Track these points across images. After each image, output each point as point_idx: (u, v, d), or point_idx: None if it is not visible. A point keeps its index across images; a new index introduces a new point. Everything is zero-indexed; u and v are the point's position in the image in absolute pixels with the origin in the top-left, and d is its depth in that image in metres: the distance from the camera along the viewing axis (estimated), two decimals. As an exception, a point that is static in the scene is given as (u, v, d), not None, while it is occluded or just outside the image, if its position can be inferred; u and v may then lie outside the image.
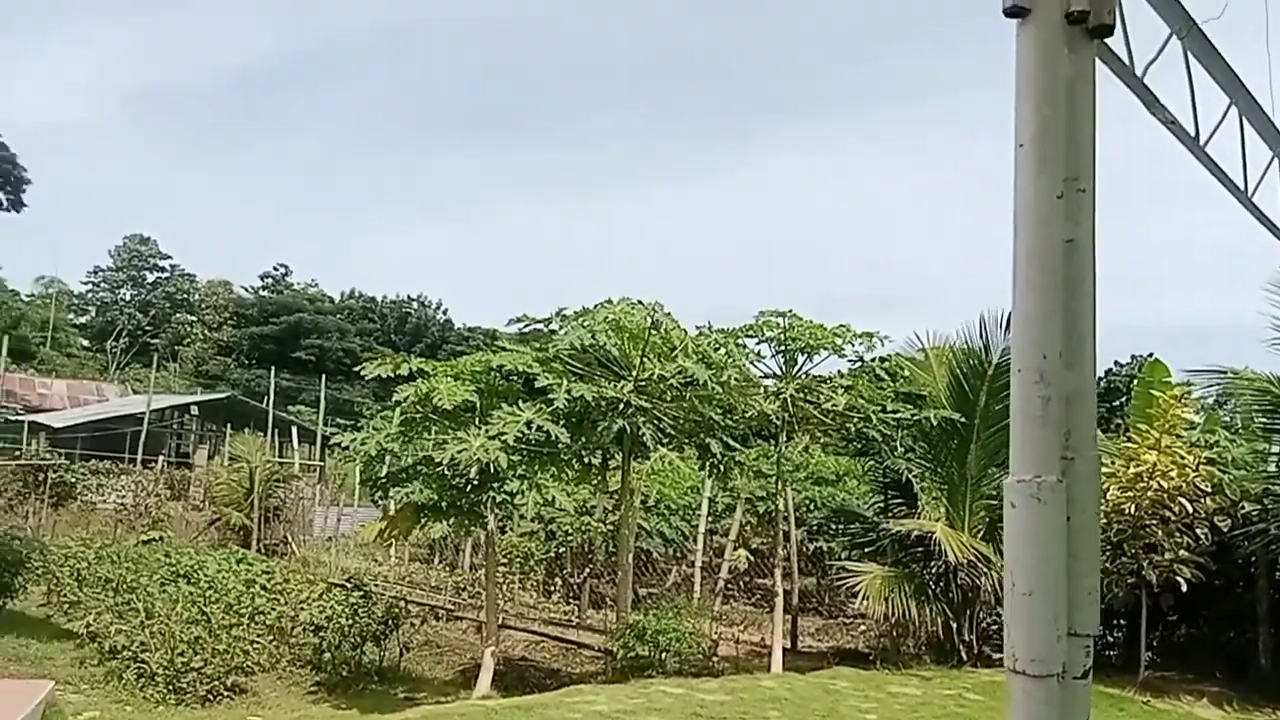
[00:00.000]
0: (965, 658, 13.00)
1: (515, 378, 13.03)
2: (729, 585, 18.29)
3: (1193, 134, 3.02)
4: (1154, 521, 11.86)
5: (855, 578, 13.25)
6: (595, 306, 12.52)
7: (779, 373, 13.50)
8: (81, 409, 45.29)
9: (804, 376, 13.44)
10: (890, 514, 14.77)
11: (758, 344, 13.38)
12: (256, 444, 28.06)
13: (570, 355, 12.80)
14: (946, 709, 10.26)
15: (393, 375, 12.32)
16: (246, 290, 77.40)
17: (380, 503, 15.49)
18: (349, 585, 14.74)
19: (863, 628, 16.20)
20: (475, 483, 11.46)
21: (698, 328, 13.27)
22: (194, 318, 73.07)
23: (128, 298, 75.46)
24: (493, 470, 11.03)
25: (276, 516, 25.96)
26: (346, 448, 12.82)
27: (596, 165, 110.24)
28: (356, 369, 14.07)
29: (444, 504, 11.99)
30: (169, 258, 76.80)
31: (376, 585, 16.94)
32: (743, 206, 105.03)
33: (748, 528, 19.20)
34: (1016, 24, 2.15)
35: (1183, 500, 11.78)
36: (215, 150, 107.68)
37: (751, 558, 18.35)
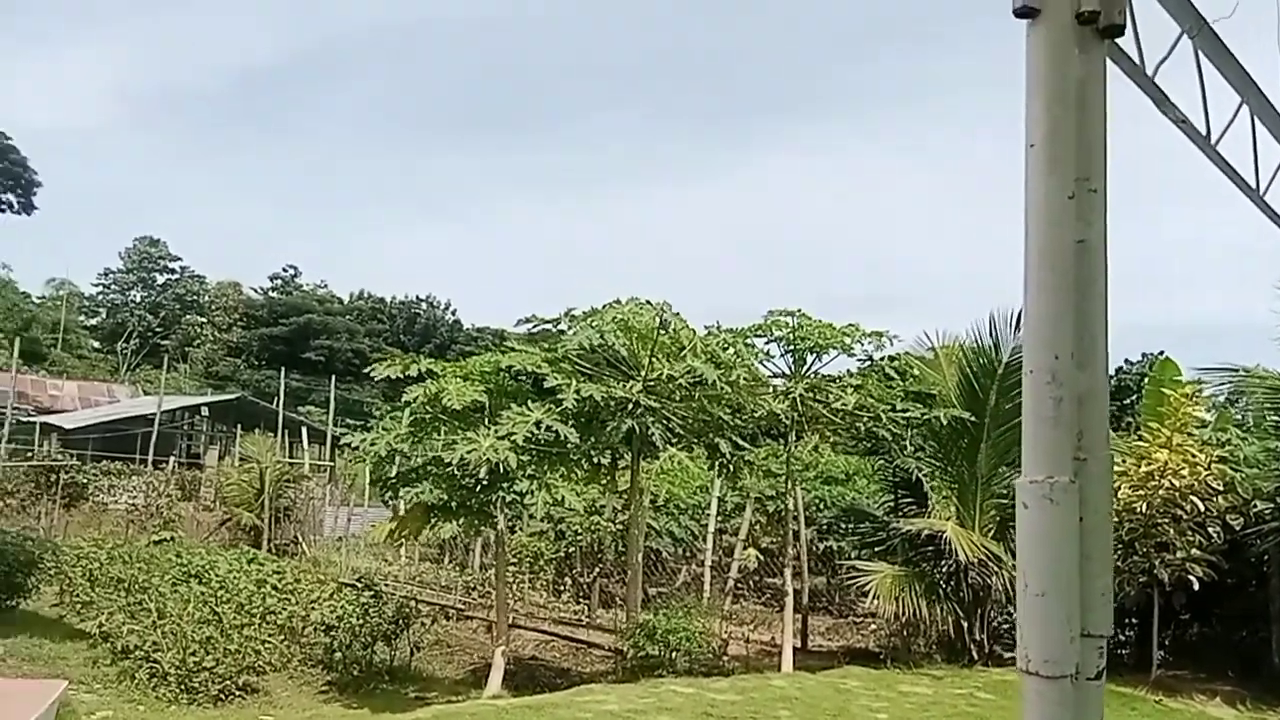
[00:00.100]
0: (976, 657, 12.98)
1: (524, 378, 13.05)
2: (738, 584, 18.30)
3: (1204, 133, 3.01)
4: (1166, 520, 11.82)
5: (865, 577, 13.24)
6: (604, 307, 12.54)
7: (788, 372, 13.49)
8: (93, 410, 45.48)
9: (813, 376, 13.44)
10: (900, 513, 14.75)
11: (766, 343, 13.39)
12: (267, 444, 28.15)
13: (579, 355, 12.82)
14: (958, 708, 10.24)
15: (402, 376, 12.36)
16: (256, 291, 77.67)
17: (390, 503, 15.52)
18: (359, 585, 14.79)
19: (873, 627, 16.20)
20: (485, 483, 11.48)
21: (706, 328, 13.29)
22: (204, 319, 73.32)
23: (138, 299, 75.74)
24: (502, 470, 11.06)
25: (287, 517, 26.06)
26: (356, 448, 12.85)
27: (597, 165, 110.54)
28: (366, 369, 14.12)
29: (454, 504, 12.01)
30: (178, 259, 77.15)
31: (387, 585, 17.01)
32: (743, 206, 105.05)
33: (757, 527, 19.20)
34: (1026, 24, 2.15)
35: (1194, 499, 11.74)
36: (222, 151, 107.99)
37: (761, 557, 18.35)
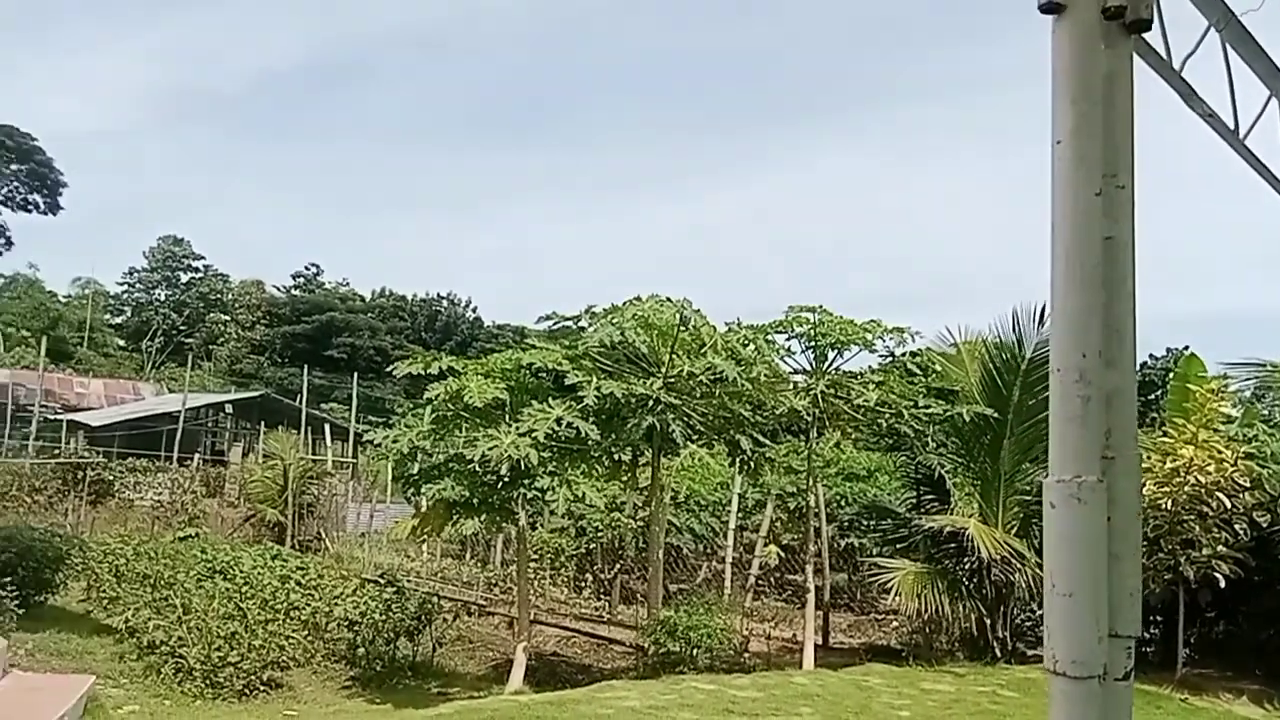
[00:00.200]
0: (999, 654, 12.90)
1: (545, 375, 13.08)
2: (759, 581, 18.26)
3: (1232, 127, 2.97)
4: (1191, 517, 11.70)
5: (887, 574, 13.18)
6: (624, 304, 12.54)
7: (809, 368, 13.45)
8: (118, 408, 45.93)
9: (834, 372, 13.39)
10: (922, 510, 14.68)
11: (787, 340, 13.35)
12: (290, 441, 28.33)
13: (600, 352, 12.84)
14: (981, 706, 10.18)
15: (424, 373, 12.41)
16: (279, 290, 78.25)
17: (412, 499, 15.60)
18: (382, 581, 14.87)
19: (895, 624, 16.12)
20: (506, 479, 11.52)
21: (727, 324, 13.26)
22: (228, 317, 73.87)
23: (162, 298, 76.42)
24: (523, 467, 11.09)
25: (310, 513, 26.24)
26: (379, 445, 12.92)
27: (618, 165, 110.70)
28: (388, 367, 14.20)
29: (475, 500, 12.05)
30: (202, 258, 77.76)
31: (409, 581, 17.09)
32: (768, 206, 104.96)
33: (778, 524, 19.15)
34: (1052, 20, 2.13)
35: (1220, 495, 11.62)
36: (245, 152, 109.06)
37: (782, 554, 18.30)
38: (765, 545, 18.25)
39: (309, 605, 13.83)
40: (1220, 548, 11.53)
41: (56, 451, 32.95)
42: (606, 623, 17.19)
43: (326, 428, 39.98)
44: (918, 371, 14.90)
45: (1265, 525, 12.05)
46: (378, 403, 55.31)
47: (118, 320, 77.62)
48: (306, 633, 12.98)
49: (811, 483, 14.54)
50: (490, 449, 10.85)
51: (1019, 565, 12.61)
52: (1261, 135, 3.16)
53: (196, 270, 77.79)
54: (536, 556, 18.73)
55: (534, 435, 11.00)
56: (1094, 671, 1.96)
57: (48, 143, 44.84)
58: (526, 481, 11.49)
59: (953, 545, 13.31)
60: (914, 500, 15.43)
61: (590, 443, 11.74)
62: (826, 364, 13.34)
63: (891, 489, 18.72)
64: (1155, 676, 11.54)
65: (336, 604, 14.00)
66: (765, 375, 12.65)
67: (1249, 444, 12.79)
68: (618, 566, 18.93)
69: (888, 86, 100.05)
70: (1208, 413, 12.31)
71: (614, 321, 12.05)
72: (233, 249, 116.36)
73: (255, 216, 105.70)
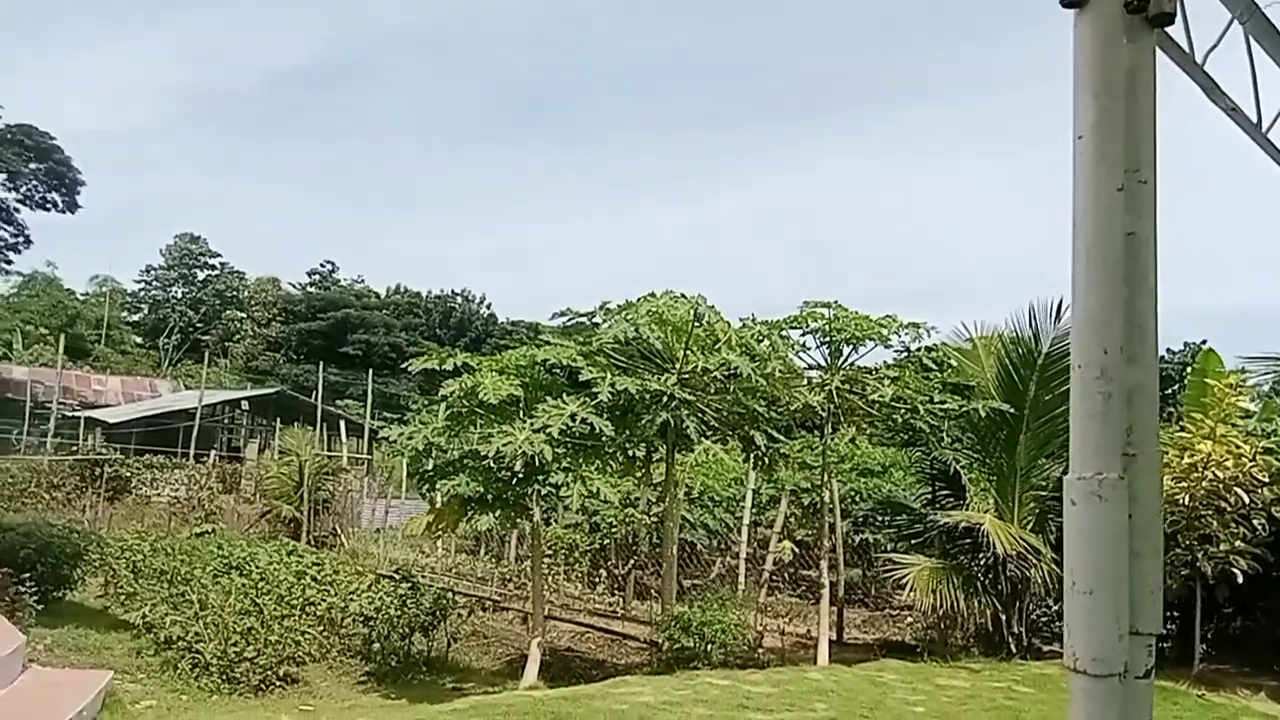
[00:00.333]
0: (1014, 650, 12.86)
1: (559, 371, 13.09)
2: (774, 577, 18.24)
3: (1255, 121, 2.95)
4: (1209, 512, 11.63)
5: (902, 569, 13.14)
6: (638, 300, 12.52)
7: (824, 364, 13.42)
8: (135, 404, 46.21)
9: (849, 368, 13.35)
10: (938, 505, 14.64)
11: (802, 335, 13.30)
12: (306, 438, 28.46)
13: (613, 348, 12.83)
14: (996, 701, 10.14)
15: (439, 369, 12.44)
16: (294, 287, 78.59)
17: (427, 495, 15.66)
18: (397, 576, 14.92)
19: (909, 620, 16.09)
20: (520, 475, 11.54)
21: (741, 320, 13.23)
22: (243, 314, 74.24)
23: (179, 295, 76.82)
24: (538, 463, 11.11)
25: (326, 509, 26.34)
26: (394, 442, 12.96)
27: (628, 163, 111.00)
28: (403, 363, 14.23)
29: (490, 496, 12.08)
30: (218, 255, 78.15)
31: (424, 576, 17.14)
32: (779, 204, 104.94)
33: (792, 519, 19.12)
34: (1074, 14, 2.12)
35: (1239, 490, 11.54)
36: (260, 150, 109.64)
37: (796, 549, 18.28)
38: (779, 541, 18.22)
39: (324, 601, 13.90)
40: (1238, 543, 11.46)
41: (74, 448, 33.15)
42: (620, 618, 17.20)
43: (342, 424, 40.12)
44: (933, 367, 14.84)
45: (1284, 521, 11.97)
46: (393, 399, 55.54)
47: (135, 318, 78.08)
48: (322, 628, 13.05)
49: (826, 478, 14.51)
50: (505, 445, 10.87)
51: (1035, 561, 12.56)
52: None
53: (213, 268, 78.18)
54: (551, 552, 18.76)
55: (548, 431, 11.01)
56: (1115, 669, 1.95)
57: (65, 142, 45.14)
58: (541, 477, 11.51)
59: (968, 541, 13.27)
60: (929, 496, 15.38)
61: (604, 439, 11.75)
62: (842, 359, 13.29)
63: (906, 484, 18.66)
64: (1172, 672, 11.48)
65: (352, 599, 14.06)
66: (780, 371, 12.62)
67: (1268, 439, 12.68)
68: (632, 562, 18.94)
69: (888, 86, 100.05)
70: (1226, 407, 12.22)
71: (628, 318, 12.05)
72: (247, 247, 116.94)
73: (269, 215, 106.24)
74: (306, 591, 13.80)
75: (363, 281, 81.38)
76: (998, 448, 13.83)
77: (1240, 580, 11.46)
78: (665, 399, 12.03)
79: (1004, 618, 13.03)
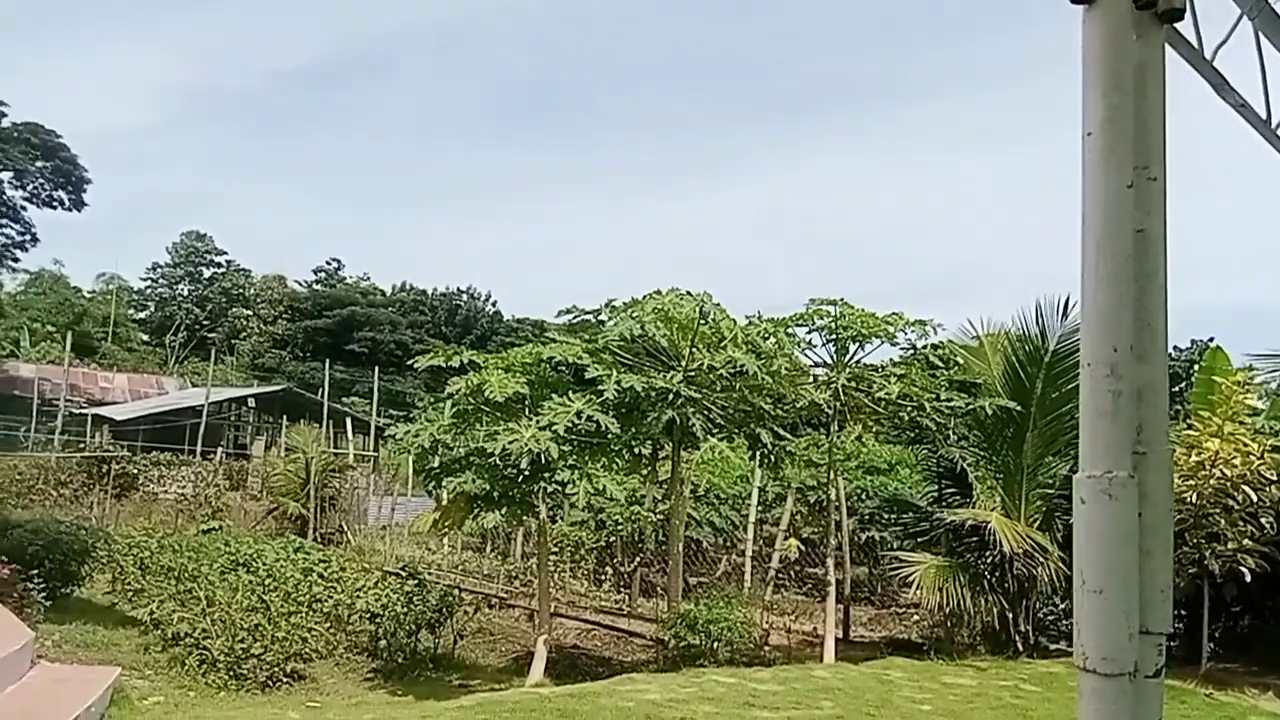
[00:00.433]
0: (1021, 648, 12.85)
1: (565, 369, 13.10)
2: (780, 574, 18.24)
3: (1264, 117, 2.93)
4: (1217, 510, 11.61)
5: (909, 567, 13.14)
6: (644, 297, 12.52)
7: (830, 361, 13.40)
8: (142, 402, 46.37)
9: (856, 365, 13.33)
10: (944, 503, 14.63)
11: (808, 333, 13.29)
12: (312, 435, 28.49)
13: (619, 346, 12.83)
14: (1003, 700, 10.13)
15: (445, 366, 12.45)
16: (300, 284, 78.71)
17: (433, 493, 15.68)
18: (404, 574, 14.94)
19: (916, 618, 16.08)
20: (527, 473, 11.53)
21: (747, 317, 13.22)
22: (250, 312, 74.37)
23: (185, 293, 76.98)
24: (544, 460, 11.10)
25: (332, 506, 26.38)
26: (400, 440, 12.97)
27: (635, 161, 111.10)
28: (409, 361, 14.24)
29: (496, 494, 12.09)
30: (224, 253, 78.31)
31: (430, 574, 17.16)
32: (784, 203, 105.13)
33: (798, 517, 19.12)
34: (1082, 10, 2.10)
35: (1246, 489, 11.51)
36: (266, 149, 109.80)
37: (802, 547, 18.28)
38: (785, 539, 18.22)
39: (331, 598, 13.92)
40: (1246, 541, 11.44)
41: (82, 445, 33.26)
42: (626, 616, 17.21)
43: (348, 421, 40.20)
44: (940, 364, 14.81)
45: (1292, 519, 11.93)
46: (399, 396, 55.61)
47: (141, 315, 78.30)
48: (329, 625, 13.06)
49: (832, 476, 14.50)
50: (511, 443, 10.87)
51: (1041, 559, 12.54)
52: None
53: (219, 265, 78.33)
54: (557, 549, 18.78)
55: (554, 429, 11.01)
56: (1125, 669, 1.94)
57: (72, 140, 45.25)
58: (547, 475, 11.51)
59: (974, 539, 13.25)
60: (935, 494, 15.37)
61: (610, 436, 11.75)
62: (848, 357, 13.28)
63: (913, 482, 18.65)
64: (1179, 671, 11.45)
65: (358, 596, 14.08)
66: (786, 368, 12.60)
67: (1275, 436, 12.65)
68: (638, 560, 18.95)
69: (888, 85, 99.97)
70: (1233, 405, 12.19)
71: (634, 315, 12.05)
72: (253, 245, 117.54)
73: (275, 213, 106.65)
74: (313, 588, 13.81)
75: (368, 279, 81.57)
76: (1004, 445, 13.81)
77: (1248, 579, 11.44)
78: (671, 396, 12.03)
79: (1010, 616, 13.02)
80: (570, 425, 11.19)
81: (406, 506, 26.76)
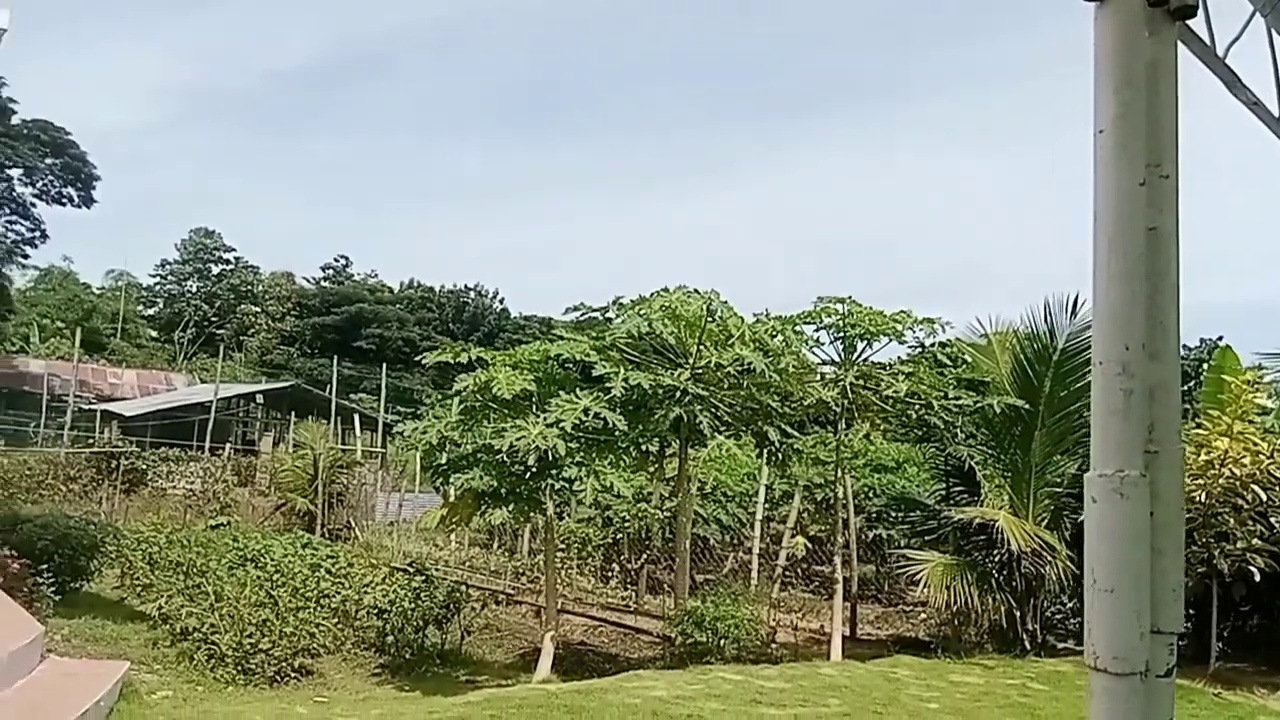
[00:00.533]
0: (1029, 647, 12.82)
1: (572, 366, 13.10)
2: (786, 572, 18.24)
3: (1276, 114, 2.91)
4: (1226, 509, 11.57)
5: (916, 565, 13.11)
6: (651, 295, 12.52)
7: (838, 359, 13.38)
8: (151, 398, 46.52)
9: (863, 363, 13.31)
10: (952, 501, 14.59)
11: (816, 331, 13.28)
12: (320, 431, 28.57)
13: (627, 343, 12.83)
14: (1010, 698, 10.11)
15: (452, 363, 12.46)
16: (308, 281, 78.91)
17: (441, 489, 15.70)
18: (411, 570, 14.97)
19: (923, 616, 16.06)
20: (534, 470, 11.55)
21: (755, 315, 13.21)
22: (258, 308, 74.57)
23: (194, 289, 77.23)
24: (551, 457, 11.11)
25: (340, 502, 26.46)
26: (408, 436, 12.98)
27: (642, 160, 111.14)
28: (416, 357, 14.25)
29: (504, 491, 12.10)
30: (232, 250, 78.53)
31: (438, 570, 17.19)
32: (791, 202, 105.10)
33: (806, 515, 19.12)
34: (1094, 7, 2.09)
35: (1256, 488, 11.47)
36: (274, 146, 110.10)
37: (809, 545, 18.27)
38: (792, 536, 18.22)
39: (339, 593, 13.95)
40: (1255, 541, 11.40)
41: (91, 441, 33.43)
42: (633, 612, 17.22)
43: (356, 418, 40.30)
44: (948, 362, 14.79)
45: (1301, 519, 11.89)
46: (406, 393, 55.63)
47: (150, 312, 78.53)
48: (337, 620, 13.09)
49: (839, 474, 14.48)
50: (518, 439, 10.88)
51: (1049, 558, 12.51)
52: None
53: (227, 262, 78.56)
54: (564, 546, 18.79)
55: (561, 426, 11.02)
56: (1136, 668, 1.93)
57: (82, 137, 45.40)
58: (554, 472, 11.52)
59: (982, 537, 13.22)
60: (943, 492, 15.34)
61: (618, 433, 11.75)
62: (855, 355, 13.26)
63: (920, 480, 18.62)
64: (1188, 670, 11.41)
65: (366, 592, 14.11)
66: (793, 366, 12.60)
67: (1285, 436, 12.61)
68: (644, 557, 18.95)
69: (888, 85, 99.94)
70: (1243, 404, 12.15)
71: (641, 312, 12.04)
72: (261, 242, 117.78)
73: (282, 210, 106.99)
74: (321, 584, 13.84)
75: (376, 276, 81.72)
76: (1012, 444, 13.77)
77: (1257, 578, 11.40)
78: (678, 394, 12.02)
79: (1018, 614, 12.99)
80: (578, 422, 11.20)
81: (414, 503, 26.84)
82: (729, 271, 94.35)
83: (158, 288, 78.98)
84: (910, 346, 13.76)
